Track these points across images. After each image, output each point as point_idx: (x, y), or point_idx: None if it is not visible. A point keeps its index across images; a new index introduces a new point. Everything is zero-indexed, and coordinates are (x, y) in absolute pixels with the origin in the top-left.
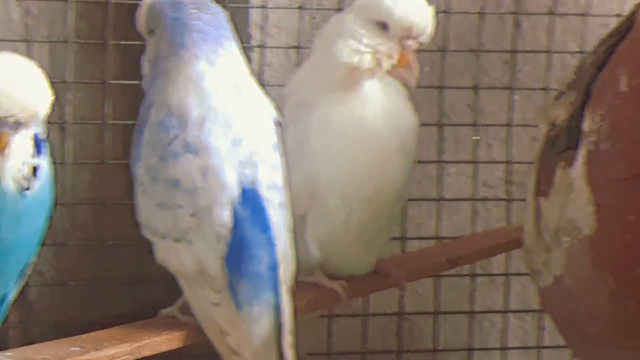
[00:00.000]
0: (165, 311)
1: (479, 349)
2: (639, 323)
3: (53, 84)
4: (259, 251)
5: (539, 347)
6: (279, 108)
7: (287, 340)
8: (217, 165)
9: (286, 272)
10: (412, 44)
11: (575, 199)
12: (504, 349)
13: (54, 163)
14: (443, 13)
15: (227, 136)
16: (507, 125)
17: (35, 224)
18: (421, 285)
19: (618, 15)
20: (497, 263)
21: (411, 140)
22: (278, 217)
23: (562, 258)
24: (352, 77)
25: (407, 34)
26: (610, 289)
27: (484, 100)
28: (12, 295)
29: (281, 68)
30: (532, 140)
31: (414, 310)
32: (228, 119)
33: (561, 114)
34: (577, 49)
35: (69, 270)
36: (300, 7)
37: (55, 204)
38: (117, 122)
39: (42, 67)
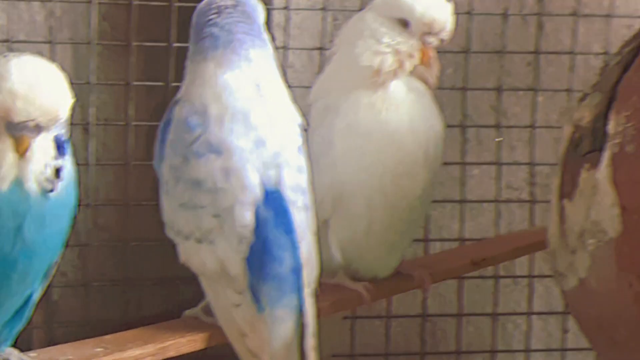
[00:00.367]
0: (188, 312)
1: (502, 351)
2: None
3: (76, 86)
4: (282, 253)
5: (562, 350)
6: (305, 112)
7: (310, 343)
8: (239, 165)
9: (310, 275)
10: (433, 40)
11: (600, 201)
12: (527, 351)
13: (77, 164)
14: (466, 14)
15: (249, 136)
16: (531, 126)
17: (59, 225)
18: (444, 287)
19: None
20: (520, 265)
21: (436, 145)
22: (302, 219)
23: (587, 260)
24: (375, 79)
25: (428, 30)
26: (635, 292)
27: (507, 101)
28: (36, 296)
29: (303, 69)
30: (555, 141)
31: (437, 312)
32: (247, 119)
33: (585, 115)
34: (601, 50)
35: (93, 271)
36: (322, 9)
37: (79, 205)
38: (140, 123)
39: (65, 68)
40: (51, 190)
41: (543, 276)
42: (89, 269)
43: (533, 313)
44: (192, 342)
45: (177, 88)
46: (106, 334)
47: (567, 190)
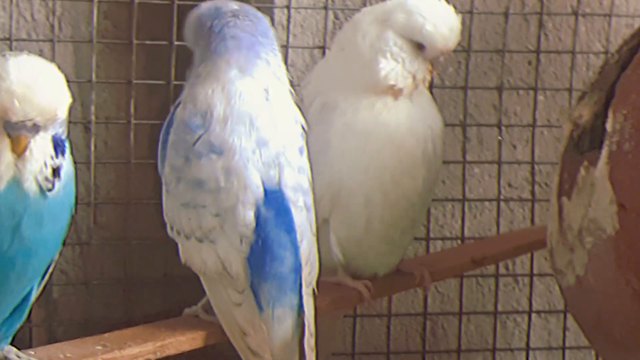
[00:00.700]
0: (188, 310)
1: (502, 350)
2: None
3: (78, 84)
4: (283, 252)
5: (563, 348)
6: (301, 108)
7: (309, 342)
8: (241, 165)
9: (309, 274)
10: (441, 59)
11: (598, 199)
12: (528, 349)
13: (79, 163)
14: (467, 13)
15: (251, 137)
16: (532, 125)
17: (57, 223)
18: (445, 286)
19: None
20: (521, 263)
21: (436, 144)
22: (303, 219)
23: (585, 258)
24: (390, 93)
25: (441, 54)
26: (633, 290)
27: (508, 100)
28: (34, 294)
29: (305, 68)
30: (556, 140)
31: (438, 311)
32: (252, 121)
33: (585, 113)
34: (602, 50)
35: (94, 270)
36: (324, 7)
37: (80, 203)
38: (141, 121)
39: (66, 67)
40: (49, 190)
41: (543, 274)
42: (90, 267)
43: (533, 311)
44: (192, 340)
45: (179, 86)
46: (107, 332)
47: (566, 188)
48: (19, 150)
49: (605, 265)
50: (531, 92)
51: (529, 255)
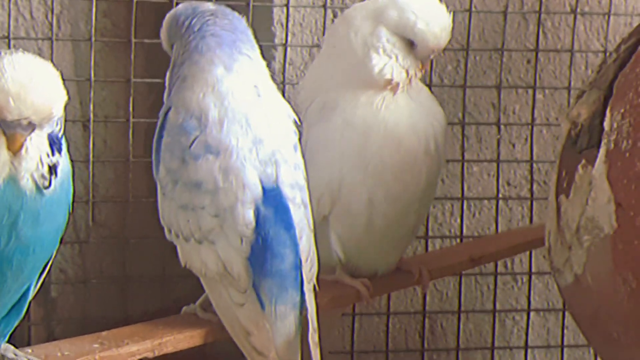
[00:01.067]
0: (186, 309)
1: (501, 348)
2: None
3: (76, 83)
4: (283, 249)
5: (561, 346)
6: (299, 107)
7: (313, 338)
8: (238, 164)
9: (310, 270)
10: (432, 57)
11: (595, 198)
12: (526, 347)
13: (77, 161)
14: (466, 12)
15: (247, 136)
16: (530, 124)
17: (55, 221)
18: (444, 284)
19: None
20: (519, 262)
21: (438, 142)
22: (301, 215)
23: (583, 257)
24: (387, 88)
25: (432, 53)
26: (630, 288)
27: (507, 99)
28: (32, 293)
29: (304, 67)
30: (555, 139)
31: (437, 309)
32: (247, 119)
33: (583, 112)
34: (601, 48)
35: (92, 268)
36: (323, 6)
37: (79, 201)
38: (141, 120)
39: (65, 65)
40: (46, 187)
41: (542, 273)
42: (88, 265)
43: (532, 310)
44: (190, 338)
45: None
46: (105, 330)
47: (564, 186)
48: (15, 149)
49: (603, 263)
50: (530, 91)
51: (527, 253)
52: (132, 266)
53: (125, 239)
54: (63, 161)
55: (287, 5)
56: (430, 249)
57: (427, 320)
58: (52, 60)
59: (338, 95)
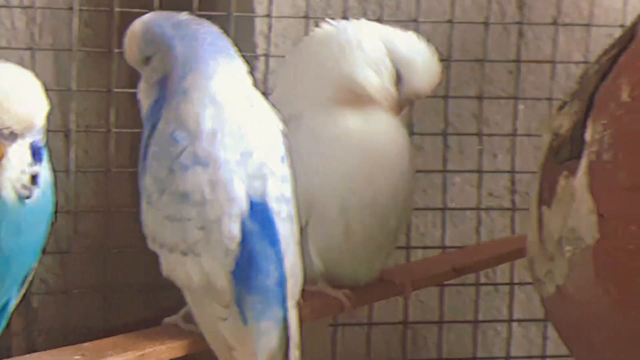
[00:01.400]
0: (168, 320)
1: (483, 358)
2: None
3: (58, 92)
4: (268, 265)
5: (543, 357)
6: None
7: (294, 355)
8: (227, 177)
9: (294, 286)
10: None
11: (577, 209)
12: (508, 358)
13: (58, 171)
14: (448, 23)
15: (237, 148)
16: (512, 135)
17: (36, 231)
18: (426, 295)
19: (622, 26)
20: (501, 272)
21: (407, 151)
22: (286, 230)
23: (565, 267)
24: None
25: (413, 96)
26: (612, 299)
27: (489, 109)
28: (13, 303)
29: None
30: (536, 149)
31: (419, 319)
32: (241, 131)
33: (564, 123)
34: (582, 59)
35: (74, 278)
36: (305, 16)
37: (60, 212)
38: (122, 130)
39: (46, 75)
40: (27, 197)
41: (524, 283)
42: (70, 276)
43: (514, 320)
44: (172, 349)
45: None
46: (87, 341)
47: (546, 197)
48: None
49: (585, 274)
50: (511, 102)
51: (509, 264)
52: (114, 276)
53: (107, 249)
54: (45, 171)
55: (269, 16)
56: (412, 259)
57: (409, 330)
58: (33, 70)
59: (305, 107)
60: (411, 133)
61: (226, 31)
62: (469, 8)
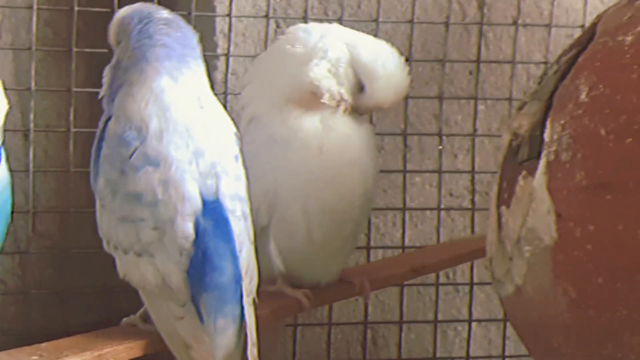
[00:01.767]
0: (127, 320)
1: (443, 358)
2: (599, 333)
3: (17, 92)
4: (223, 263)
5: (503, 357)
6: (236, 121)
7: (252, 352)
8: (178, 177)
9: (249, 284)
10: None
11: (536, 209)
12: (468, 358)
13: (18, 171)
14: (409, 23)
15: (188, 148)
16: (472, 135)
17: None
18: (386, 295)
19: (582, 27)
20: (461, 272)
21: (370, 150)
22: (241, 228)
23: (524, 267)
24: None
25: (375, 107)
26: (570, 299)
27: (449, 109)
28: None
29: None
30: (496, 150)
31: (379, 320)
32: (189, 131)
33: (524, 123)
34: (542, 60)
35: (32, 279)
36: (266, 16)
37: (19, 212)
38: (82, 130)
39: (6, 74)
40: None
41: (484, 283)
42: (29, 276)
43: (474, 320)
44: (130, 349)
45: None
46: (46, 342)
47: (505, 197)
48: None
49: (543, 274)
50: (472, 102)
51: (469, 264)
52: (72, 277)
53: (66, 250)
54: (1, 171)
55: (229, 15)
56: (372, 259)
57: (369, 330)
58: None
59: (265, 109)
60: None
61: None
62: (430, 8)
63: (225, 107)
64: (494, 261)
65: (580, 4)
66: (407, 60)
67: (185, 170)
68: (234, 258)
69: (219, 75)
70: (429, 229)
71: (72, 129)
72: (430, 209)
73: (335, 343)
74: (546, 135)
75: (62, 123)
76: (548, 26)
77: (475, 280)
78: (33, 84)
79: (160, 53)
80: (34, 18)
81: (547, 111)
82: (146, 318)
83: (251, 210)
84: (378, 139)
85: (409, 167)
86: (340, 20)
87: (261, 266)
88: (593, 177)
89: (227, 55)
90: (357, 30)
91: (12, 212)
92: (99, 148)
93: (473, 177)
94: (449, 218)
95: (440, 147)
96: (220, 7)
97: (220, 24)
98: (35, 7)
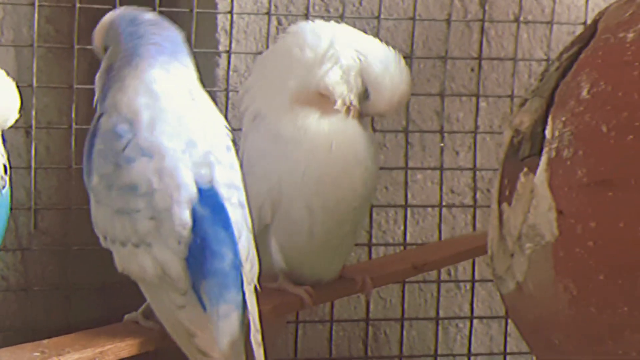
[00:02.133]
0: (128, 317)
1: (444, 355)
2: (599, 330)
3: (19, 89)
4: (222, 249)
5: (504, 354)
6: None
7: (256, 337)
8: (172, 165)
9: (250, 271)
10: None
11: (537, 206)
12: (469, 354)
13: (20, 168)
14: (410, 20)
15: (180, 137)
16: (474, 132)
17: None
18: (387, 292)
19: (584, 24)
20: (462, 269)
21: (370, 148)
22: (238, 215)
23: (525, 264)
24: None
25: (377, 114)
26: (571, 296)
27: (451, 107)
28: None
29: (248, 73)
30: (498, 147)
31: (380, 317)
32: (180, 121)
33: (525, 120)
34: (543, 57)
35: (34, 275)
36: (267, 13)
37: (21, 208)
38: (83, 127)
39: (8, 71)
40: (3, 187)
41: (485, 280)
42: (30, 273)
43: (475, 317)
44: (131, 346)
45: None
46: (47, 338)
47: (506, 194)
48: None
49: (544, 271)
50: (473, 99)
51: (470, 261)
52: (74, 274)
53: (68, 246)
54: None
55: (231, 13)
56: (373, 256)
57: (370, 327)
58: None
59: (270, 106)
60: (373, 130)
61: (188, 28)
62: (431, 5)
63: (226, 104)
64: (495, 258)
65: (582, 1)
66: (408, 57)
67: (179, 159)
68: (233, 244)
69: (220, 72)
70: (431, 226)
71: (74, 126)
72: (432, 206)
73: (336, 340)
74: (547, 132)
75: (64, 120)
76: (550, 23)
77: (477, 277)
78: (35, 80)
79: (153, 49)
80: (36, 15)
81: (548, 108)
82: (148, 314)
83: (254, 207)
84: (380, 136)
85: (411, 164)
86: (341, 18)
87: (263, 263)
88: (594, 174)
89: (228, 52)
90: (359, 27)
91: (14, 209)
92: (92, 145)
93: (474, 174)
94: (451, 215)
95: (442, 144)
96: (222, 4)
97: (222, 21)
98: (37, 4)
